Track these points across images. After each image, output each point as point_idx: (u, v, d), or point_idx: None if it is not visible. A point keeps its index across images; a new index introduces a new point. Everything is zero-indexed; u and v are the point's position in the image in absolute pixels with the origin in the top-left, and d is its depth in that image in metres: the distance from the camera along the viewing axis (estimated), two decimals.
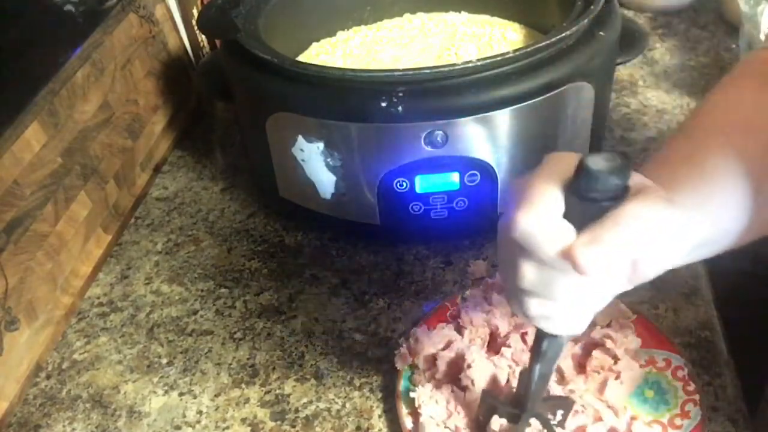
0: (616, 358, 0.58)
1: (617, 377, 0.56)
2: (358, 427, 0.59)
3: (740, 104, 0.48)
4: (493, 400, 0.54)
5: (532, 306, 0.41)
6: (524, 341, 0.60)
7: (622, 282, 0.39)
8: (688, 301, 0.66)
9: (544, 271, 0.39)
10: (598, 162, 0.36)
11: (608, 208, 0.37)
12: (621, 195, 0.37)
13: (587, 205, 0.37)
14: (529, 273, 0.39)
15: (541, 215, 0.37)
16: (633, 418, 0.55)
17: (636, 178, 0.38)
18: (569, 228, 0.37)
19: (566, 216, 0.37)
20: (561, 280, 0.39)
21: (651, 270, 0.37)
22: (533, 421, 0.52)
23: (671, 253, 0.38)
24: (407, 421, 0.56)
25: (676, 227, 0.37)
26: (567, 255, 0.36)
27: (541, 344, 0.46)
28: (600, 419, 0.55)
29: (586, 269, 0.36)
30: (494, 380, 0.57)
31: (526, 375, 0.49)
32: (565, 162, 0.38)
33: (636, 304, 0.64)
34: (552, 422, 0.53)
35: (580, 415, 0.55)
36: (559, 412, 0.54)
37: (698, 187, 0.43)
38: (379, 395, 0.61)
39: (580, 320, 0.42)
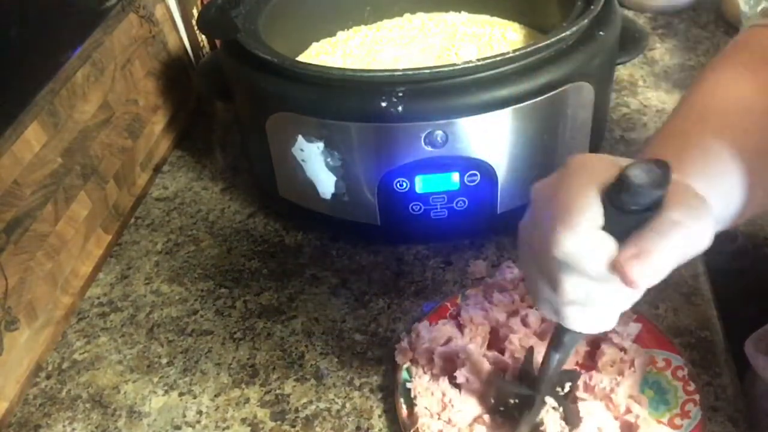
0: (624, 349, 0.58)
1: (630, 366, 0.57)
2: (358, 427, 0.59)
3: (736, 86, 0.48)
4: (503, 384, 0.55)
5: (570, 314, 0.41)
6: (524, 324, 0.61)
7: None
8: (688, 301, 0.66)
9: (588, 283, 0.38)
10: (639, 176, 0.35)
11: (648, 216, 0.36)
12: (660, 202, 0.36)
13: (627, 216, 0.36)
14: (572, 287, 0.39)
15: (585, 233, 0.36)
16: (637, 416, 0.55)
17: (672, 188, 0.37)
18: (613, 241, 0.37)
19: (605, 227, 0.37)
20: (602, 289, 0.39)
21: (676, 265, 0.37)
22: (548, 399, 0.53)
23: (703, 247, 0.37)
24: (405, 416, 0.57)
25: (710, 223, 0.37)
26: (617, 271, 0.36)
27: (563, 337, 0.46)
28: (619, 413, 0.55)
29: (638, 283, 0.35)
30: (483, 394, 0.57)
31: (541, 359, 0.50)
32: (598, 167, 0.37)
33: (636, 304, 0.64)
34: (560, 394, 0.54)
35: (601, 414, 0.55)
36: (567, 384, 0.55)
37: (709, 171, 0.43)
38: (379, 395, 0.61)
39: (612, 320, 0.42)
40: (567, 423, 0.54)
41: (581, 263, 0.37)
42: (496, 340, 0.61)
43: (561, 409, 0.54)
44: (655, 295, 0.66)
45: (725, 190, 0.44)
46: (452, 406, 0.56)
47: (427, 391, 0.58)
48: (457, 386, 0.57)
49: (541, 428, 0.53)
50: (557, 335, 0.47)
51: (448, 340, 0.61)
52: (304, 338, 0.67)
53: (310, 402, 0.61)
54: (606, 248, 0.36)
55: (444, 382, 0.58)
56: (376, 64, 0.81)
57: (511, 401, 0.55)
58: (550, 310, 0.42)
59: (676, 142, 0.46)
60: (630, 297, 0.41)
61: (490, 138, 0.65)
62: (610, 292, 0.39)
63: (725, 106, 0.47)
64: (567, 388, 0.55)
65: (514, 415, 0.54)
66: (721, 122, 0.46)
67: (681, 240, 0.35)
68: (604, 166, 0.37)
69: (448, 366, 0.59)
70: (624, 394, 0.55)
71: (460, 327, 0.62)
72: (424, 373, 0.59)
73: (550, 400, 0.53)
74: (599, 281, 0.38)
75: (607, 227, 0.37)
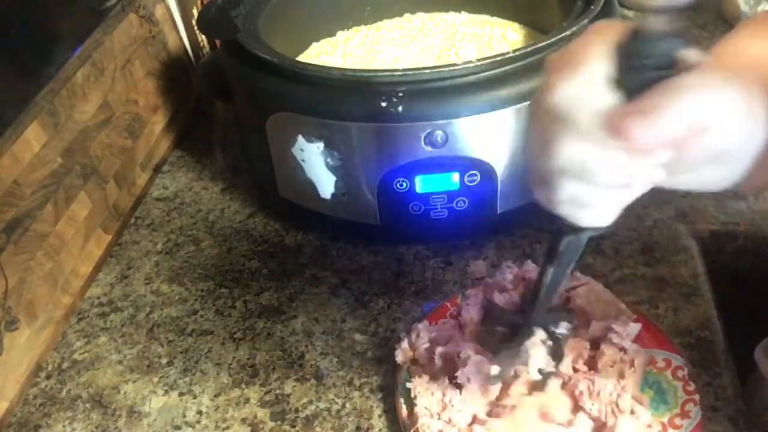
0: (624, 350, 0.58)
1: (630, 366, 0.57)
2: (358, 427, 0.59)
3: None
4: (494, 307, 0.51)
5: (564, 188, 0.36)
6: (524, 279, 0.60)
7: (660, 172, 0.35)
8: (688, 301, 0.66)
9: (584, 146, 0.34)
10: (656, 23, 0.32)
11: (662, 77, 0.32)
12: (676, 65, 0.32)
13: (639, 73, 0.33)
14: (566, 147, 0.34)
15: (586, 79, 0.33)
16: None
17: (693, 53, 0.33)
18: (617, 97, 0.33)
19: (617, 84, 0.33)
20: (601, 157, 0.34)
21: (699, 159, 0.34)
22: (538, 330, 0.49)
23: (728, 141, 0.33)
24: (405, 416, 0.57)
25: (735, 107, 0.33)
26: (613, 124, 0.32)
27: (560, 243, 0.41)
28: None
29: (635, 140, 0.31)
30: (483, 394, 0.57)
31: (536, 278, 0.46)
32: (615, 26, 0.34)
33: (636, 304, 0.64)
34: (554, 331, 0.50)
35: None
36: (563, 324, 0.51)
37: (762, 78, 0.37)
38: (379, 395, 0.61)
39: (610, 210, 0.38)
40: (553, 359, 0.51)
41: (577, 113, 0.33)
42: (494, 342, 0.61)
43: (549, 343, 0.50)
44: (655, 295, 0.66)
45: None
46: (452, 406, 0.56)
47: (427, 391, 0.57)
48: (458, 386, 0.57)
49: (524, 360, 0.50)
50: (552, 243, 0.42)
51: (449, 340, 0.61)
52: (304, 338, 0.67)
53: (310, 402, 0.61)
54: (607, 99, 0.33)
55: (444, 382, 0.58)
56: (376, 64, 0.81)
57: (499, 329, 0.50)
58: (545, 188, 0.38)
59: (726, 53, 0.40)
60: (631, 178, 0.36)
61: (490, 138, 0.65)
62: (610, 162, 0.34)
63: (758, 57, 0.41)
64: (563, 329, 0.51)
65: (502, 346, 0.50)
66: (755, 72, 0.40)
67: (690, 105, 0.32)
68: (623, 25, 0.34)
69: (449, 366, 0.59)
70: (630, 399, 0.55)
71: (461, 327, 0.62)
72: (424, 373, 0.59)
73: (539, 332, 0.49)
74: (598, 144, 0.34)
75: (617, 85, 0.33)
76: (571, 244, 0.41)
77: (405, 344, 0.61)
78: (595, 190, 0.36)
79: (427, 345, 0.60)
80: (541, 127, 0.36)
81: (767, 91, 0.36)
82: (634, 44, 0.33)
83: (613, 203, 0.37)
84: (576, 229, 0.40)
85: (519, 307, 0.50)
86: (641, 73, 0.33)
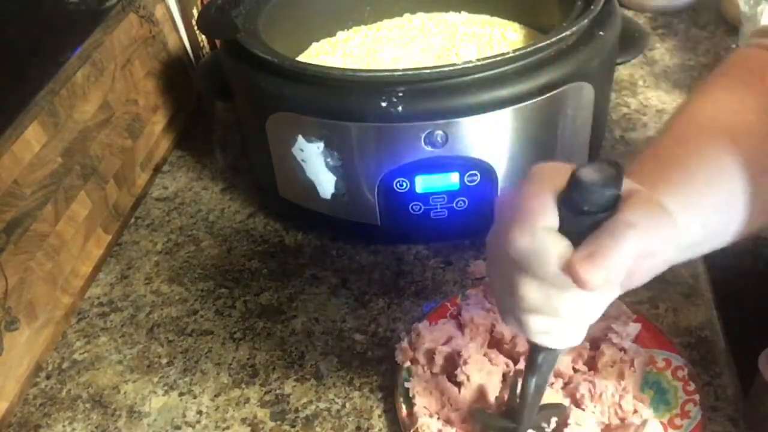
0: (624, 350, 0.58)
1: (630, 366, 0.57)
2: (358, 427, 0.59)
3: (727, 105, 0.48)
4: (485, 417, 0.53)
5: (532, 324, 0.40)
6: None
7: (617, 290, 0.38)
8: (688, 301, 0.66)
9: (544, 287, 0.38)
10: (590, 174, 0.35)
11: (603, 218, 0.36)
12: (614, 204, 0.36)
13: (583, 218, 0.36)
14: (528, 292, 0.38)
15: (537, 231, 0.36)
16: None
17: (627, 185, 0.37)
18: (566, 242, 0.36)
19: (560, 229, 0.37)
20: (562, 296, 0.38)
21: (647, 276, 0.37)
22: None
23: (665, 258, 0.37)
24: (405, 416, 0.57)
25: (669, 232, 0.37)
26: (569, 271, 0.35)
27: (537, 357, 0.45)
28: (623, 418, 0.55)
29: (589, 284, 0.35)
30: (483, 393, 0.57)
31: (520, 387, 0.48)
32: (554, 173, 0.37)
33: (636, 304, 0.64)
34: (546, 431, 0.53)
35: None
36: (553, 420, 0.53)
37: (687, 191, 0.43)
38: (379, 395, 0.61)
39: (579, 333, 0.42)
40: None
41: (534, 264, 0.36)
42: (495, 340, 0.61)
43: None
44: (655, 295, 0.66)
45: (714, 203, 0.43)
46: (451, 405, 0.56)
47: (426, 391, 0.58)
48: (457, 385, 0.57)
49: None
50: (530, 357, 0.45)
51: (449, 340, 0.61)
52: (304, 338, 0.67)
53: (310, 402, 0.61)
54: (559, 248, 0.36)
55: (444, 381, 0.58)
56: (376, 64, 0.81)
57: None
58: (514, 322, 0.41)
59: (655, 164, 0.45)
60: (592, 307, 0.39)
61: (490, 138, 0.65)
62: (570, 299, 0.38)
63: (715, 122, 0.47)
64: (553, 425, 0.53)
65: None
66: (711, 139, 0.46)
67: (634, 242, 0.35)
68: (560, 171, 0.37)
69: (449, 365, 0.59)
70: (632, 400, 0.55)
71: (461, 327, 0.62)
72: (424, 372, 0.59)
73: None
74: (557, 286, 0.37)
75: (564, 230, 0.36)
76: (548, 357, 0.45)
77: (405, 344, 0.61)
78: (559, 321, 0.40)
79: (427, 345, 0.60)
80: (502, 269, 0.39)
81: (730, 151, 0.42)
82: (573, 194, 0.36)
83: (581, 327, 0.41)
84: (541, 348, 0.43)
85: (508, 411, 0.53)
86: (585, 218, 0.36)
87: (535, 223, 0.36)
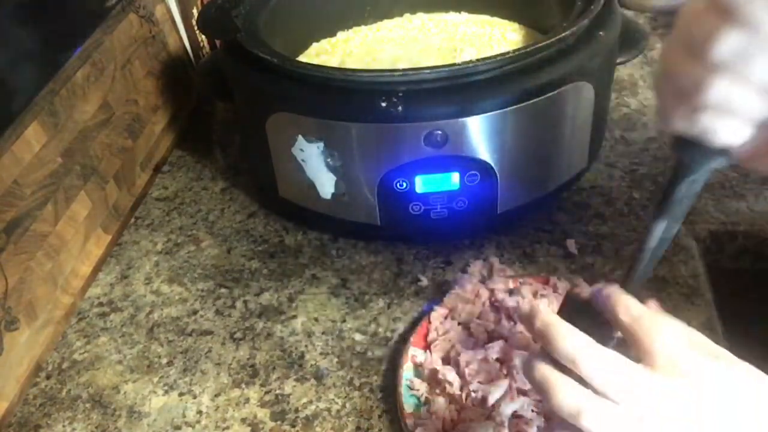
0: None
1: None
2: (358, 427, 0.59)
3: None
4: (578, 298, 0.44)
5: (715, 88, 0.35)
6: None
7: None
8: (688, 301, 0.66)
9: (747, 32, 0.34)
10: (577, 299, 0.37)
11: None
12: None
13: None
14: (730, 37, 0.34)
15: None
16: None
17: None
18: None
19: None
20: (762, 53, 0.34)
21: None
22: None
23: None
24: (405, 416, 0.57)
25: None
26: None
27: (677, 188, 0.38)
28: None
29: None
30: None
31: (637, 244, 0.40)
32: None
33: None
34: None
35: None
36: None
37: None
38: (379, 395, 0.61)
39: (751, 119, 0.37)
40: None
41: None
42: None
43: None
44: (655, 295, 0.66)
45: None
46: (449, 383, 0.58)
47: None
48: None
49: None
50: (666, 193, 0.39)
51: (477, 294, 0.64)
52: (304, 338, 0.67)
53: (310, 402, 0.61)
54: None
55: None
56: (376, 64, 0.81)
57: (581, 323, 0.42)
58: (686, 105, 0.37)
59: None
60: None
61: (490, 138, 0.65)
62: None
63: None
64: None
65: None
66: None
67: None
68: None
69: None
70: None
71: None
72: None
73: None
74: (761, 36, 0.33)
75: None
76: (690, 188, 0.39)
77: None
78: (747, 87, 0.35)
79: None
80: (697, 24, 0.37)
81: None
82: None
83: (756, 110, 0.36)
84: (700, 161, 0.38)
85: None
86: None
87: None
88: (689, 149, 0.38)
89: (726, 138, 0.37)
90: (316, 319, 0.68)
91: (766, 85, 0.35)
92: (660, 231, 0.40)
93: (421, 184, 0.67)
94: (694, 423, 0.37)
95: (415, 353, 0.61)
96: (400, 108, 0.61)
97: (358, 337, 0.66)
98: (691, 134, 0.37)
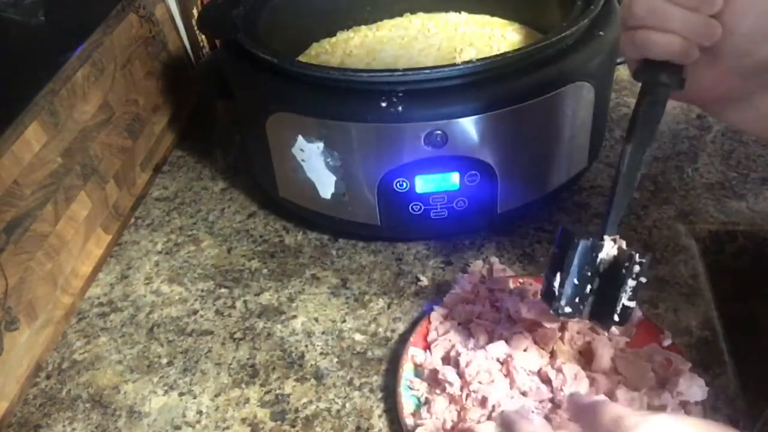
0: (623, 350, 0.58)
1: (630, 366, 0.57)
2: (358, 427, 0.59)
3: None
4: (570, 228, 0.46)
5: (641, 3, 0.42)
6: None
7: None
8: (688, 301, 0.66)
9: None
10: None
11: None
12: None
13: None
14: None
15: None
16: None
17: None
18: None
19: None
20: None
21: None
22: (608, 242, 0.44)
23: None
24: (405, 416, 0.57)
25: None
26: None
27: (640, 109, 0.43)
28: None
29: None
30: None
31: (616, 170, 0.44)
32: None
33: (636, 304, 0.64)
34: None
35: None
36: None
37: None
38: (379, 395, 0.61)
39: (683, 34, 0.42)
40: None
41: None
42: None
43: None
44: (655, 295, 0.66)
45: None
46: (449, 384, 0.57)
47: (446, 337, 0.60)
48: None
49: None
50: (633, 114, 0.44)
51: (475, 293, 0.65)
52: (304, 338, 0.67)
53: (310, 402, 0.61)
54: None
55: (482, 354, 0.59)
56: (376, 64, 0.81)
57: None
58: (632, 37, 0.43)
59: None
60: None
61: (490, 138, 0.65)
62: None
63: None
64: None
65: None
66: None
67: None
68: None
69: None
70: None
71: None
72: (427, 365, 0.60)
73: (608, 245, 0.45)
74: None
75: None
76: (651, 109, 0.43)
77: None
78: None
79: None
80: None
81: None
82: None
83: (678, 21, 0.41)
84: (652, 79, 0.43)
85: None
86: None
87: None
88: (642, 71, 0.44)
89: (662, 50, 0.42)
90: (316, 319, 0.68)
91: None
92: (629, 154, 0.43)
93: (421, 184, 0.67)
94: None
95: (415, 353, 0.61)
96: (400, 108, 0.62)
97: (358, 337, 0.66)
98: (639, 56, 0.43)
